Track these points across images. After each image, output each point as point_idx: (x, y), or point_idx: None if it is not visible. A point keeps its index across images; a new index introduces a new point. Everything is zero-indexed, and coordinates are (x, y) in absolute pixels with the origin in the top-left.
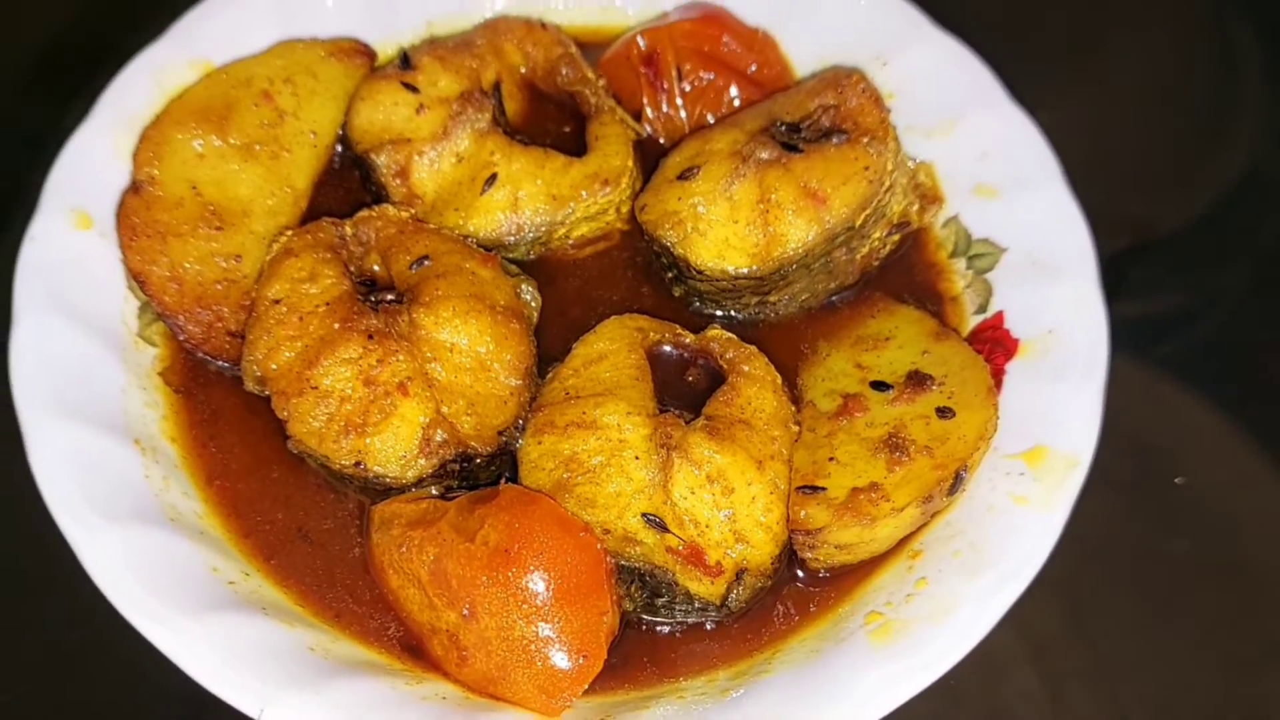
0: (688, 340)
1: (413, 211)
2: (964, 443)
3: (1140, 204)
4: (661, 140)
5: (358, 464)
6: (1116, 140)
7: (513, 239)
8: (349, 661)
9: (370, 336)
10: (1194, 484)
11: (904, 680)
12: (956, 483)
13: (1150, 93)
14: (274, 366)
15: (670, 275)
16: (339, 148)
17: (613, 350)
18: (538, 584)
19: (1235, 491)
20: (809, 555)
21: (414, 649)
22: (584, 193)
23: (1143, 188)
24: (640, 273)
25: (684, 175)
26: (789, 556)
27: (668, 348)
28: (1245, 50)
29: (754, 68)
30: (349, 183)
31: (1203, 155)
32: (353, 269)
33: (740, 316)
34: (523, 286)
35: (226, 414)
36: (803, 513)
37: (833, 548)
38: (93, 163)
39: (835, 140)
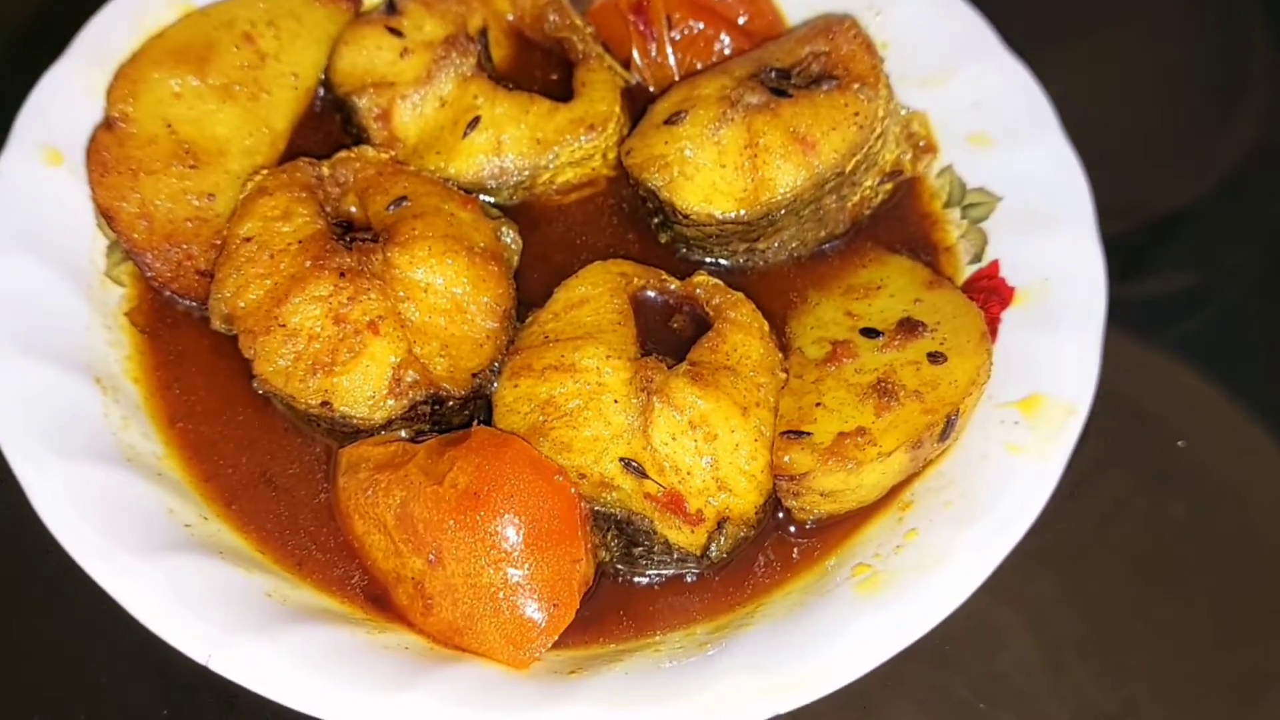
0: (673, 286)
1: (392, 154)
2: (955, 388)
3: (1149, 183)
4: (651, 88)
5: (324, 404)
6: (1124, 118)
7: (495, 183)
8: (309, 609)
9: (342, 274)
10: (1197, 451)
11: (891, 632)
12: (948, 428)
13: (1157, 69)
14: (242, 304)
15: (656, 221)
16: (321, 91)
17: (594, 295)
18: (507, 528)
19: (1238, 459)
20: (794, 503)
21: (378, 599)
22: (569, 137)
23: (1151, 166)
24: (626, 219)
25: (671, 120)
26: (774, 507)
27: (652, 293)
28: (1256, 27)
29: (745, 18)
30: (329, 126)
31: (1212, 133)
32: (329, 210)
33: (728, 264)
34: (503, 229)
35: (192, 356)
36: (786, 457)
37: (817, 495)
38: (66, 100)
39: (825, 86)
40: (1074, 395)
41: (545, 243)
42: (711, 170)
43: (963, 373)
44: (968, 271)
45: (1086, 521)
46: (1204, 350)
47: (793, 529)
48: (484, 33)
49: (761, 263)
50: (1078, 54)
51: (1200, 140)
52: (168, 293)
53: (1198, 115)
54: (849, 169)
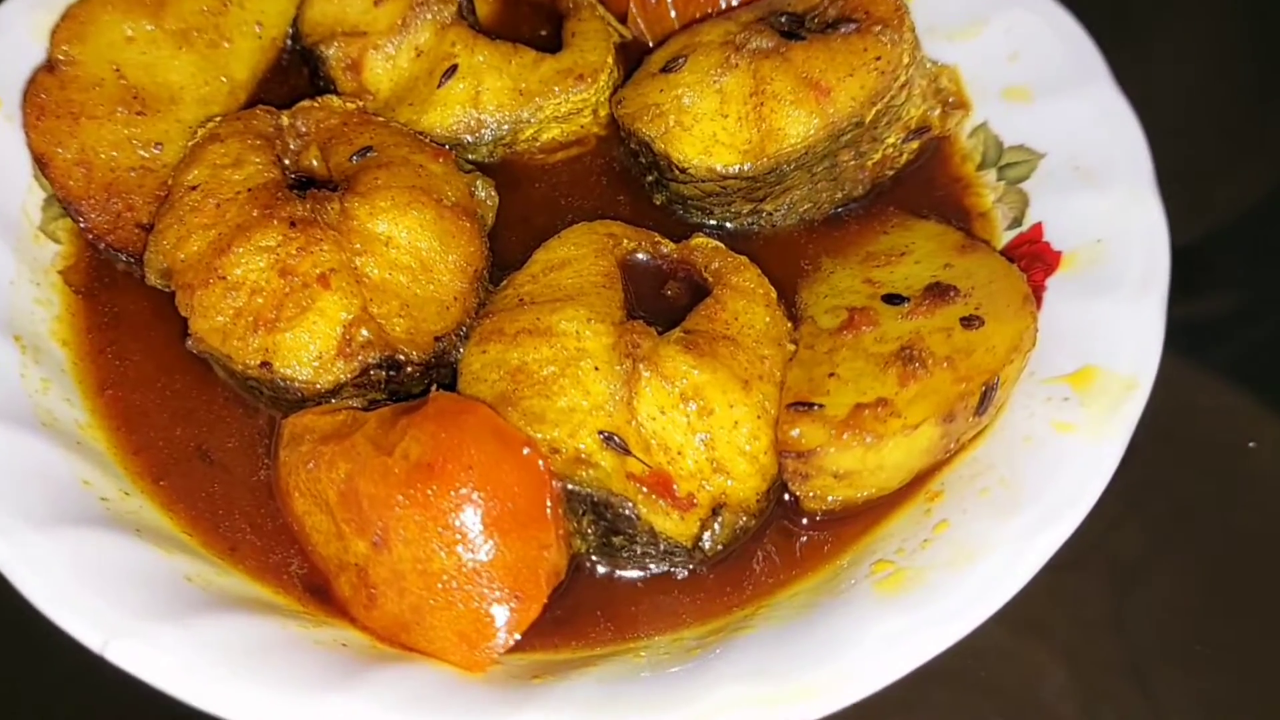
0: (667, 249)
1: (360, 103)
2: (992, 354)
3: (1192, 199)
4: (649, 44)
5: (264, 364)
6: (1166, 129)
7: (472, 138)
8: (234, 598)
9: (293, 224)
10: (1266, 457)
11: (915, 636)
12: (985, 400)
13: (1196, 85)
14: (182, 257)
15: (650, 179)
16: (289, 43)
17: (578, 256)
18: (464, 506)
19: None
20: (802, 488)
21: (319, 590)
22: (555, 89)
23: (1194, 181)
24: (617, 180)
25: (668, 67)
26: (779, 494)
27: (643, 256)
28: None
29: None
30: (297, 81)
31: (1255, 148)
32: (288, 163)
33: (731, 227)
34: (478, 184)
35: (130, 318)
36: (794, 431)
37: (830, 476)
38: (8, 43)
39: (843, 29)
40: (1134, 367)
41: (526, 203)
42: (712, 120)
43: (1001, 338)
44: (1006, 238)
45: (1139, 534)
46: (1257, 368)
47: (802, 520)
48: None
49: (769, 226)
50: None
51: (1242, 155)
52: (103, 245)
53: (1239, 129)
54: (868, 119)
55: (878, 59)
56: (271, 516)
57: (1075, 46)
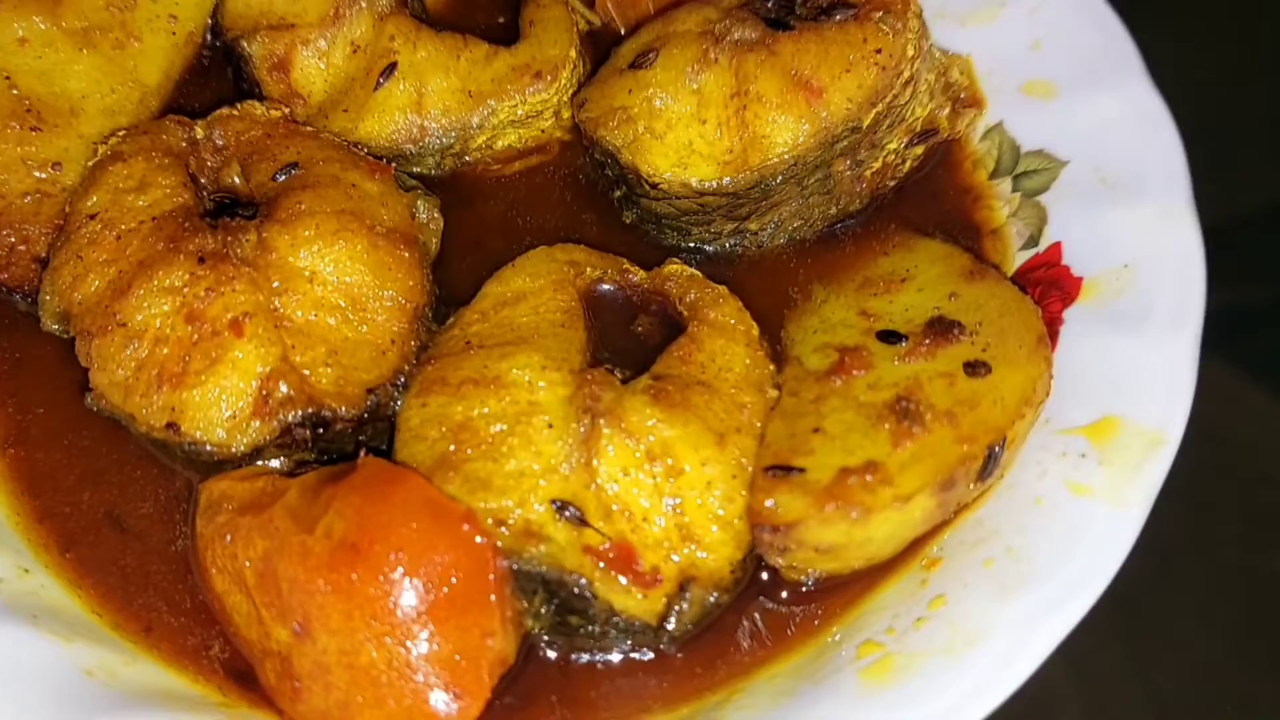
0: (637, 279)
1: (286, 110)
2: (1000, 408)
3: (1222, 187)
4: (621, 30)
5: (170, 425)
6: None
7: (415, 147)
8: (143, 691)
9: (201, 260)
10: None
11: None
12: (990, 464)
13: (1221, 81)
14: (79, 299)
15: (619, 194)
16: (209, 39)
17: (535, 289)
18: (394, 593)
19: None
20: (780, 560)
21: (243, 676)
22: (510, 89)
23: (1225, 169)
24: (582, 195)
25: (637, 62)
26: (756, 562)
27: (610, 287)
28: None
29: None
30: (220, 84)
31: None
32: (205, 182)
33: (710, 249)
34: (419, 204)
35: (32, 364)
36: (769, 501)
37: (812, 551)
38: None
39: (839, 16)
40: (1161, 420)
41: (479, 224)
42: (687, 126)
43: (1011, 388)
44: (1020, 259)
45: (1161, 573)
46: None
47: (783, 593)
48: None
49: (754, 248)
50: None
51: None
52: None
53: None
54: (867, 123)
55: (878, 52)
56: (190, 593)
57: (1107, 34)
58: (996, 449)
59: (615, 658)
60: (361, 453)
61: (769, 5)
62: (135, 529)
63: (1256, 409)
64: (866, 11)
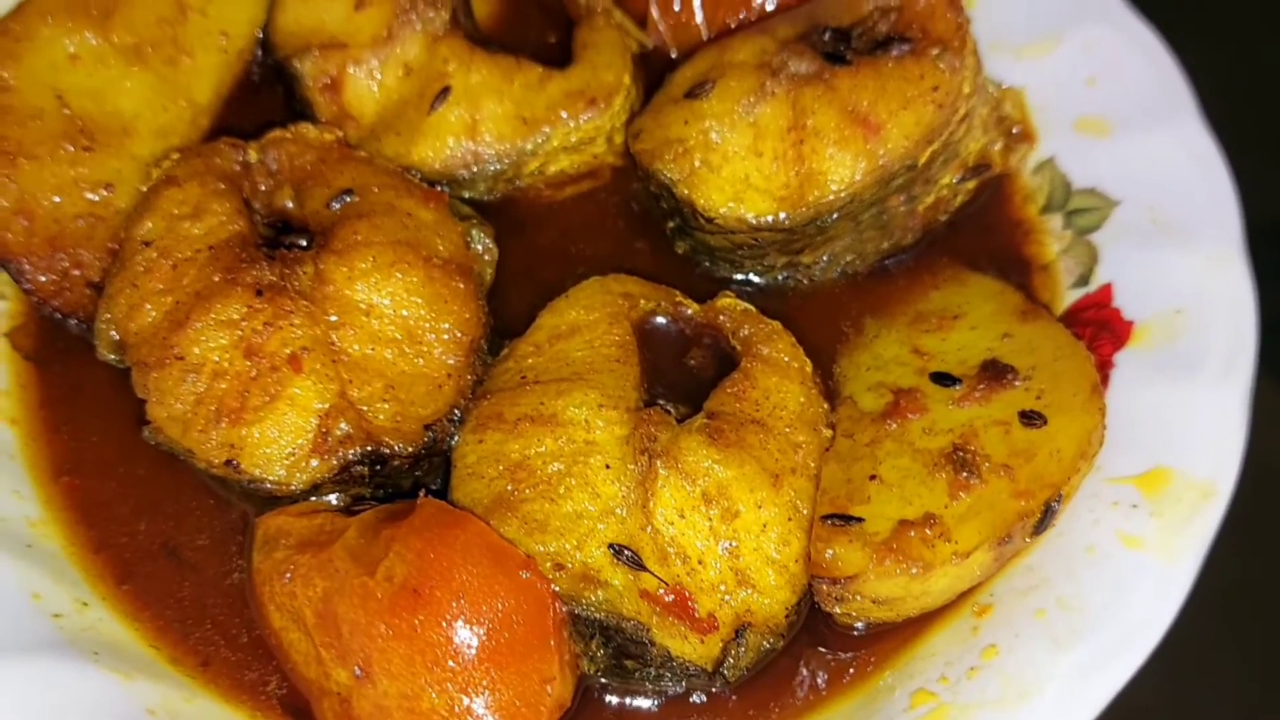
0: (690, 311)
1: (340, 133)
2: (1057, 462)
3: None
4: (672, 54)
5: (229, 462)
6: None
7: (468, 173)
8: None
9: (259, 292)
10: None
11: None
12: (1045, 518)
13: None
14: (135, 328)
15: (672, 225)
16: (259, 54)
17: (589, 322)
18: (456, 638)
19: None
20: (836, 610)
21: (300, 713)
22: (563, 114)
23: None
24: (635, 222)
25: (693, 93)
26: (810, 604)
27: (663, 320)
28: None
29: None
30: (270, 101)
31: None
32: (258, 206)
33: (762, 282)
34: (474, 233)
35: (88, 391)
36: (829, 552)
37: (869, 602)
38: None
39: (895, 51)
40: (1212, 471)
41: (532, 252)
42: (744, 159)
43: (1067, 440)
44: (1070, 297)
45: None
46: None
47: (835, 637)
48: None
49: (806, 281)
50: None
51: None
52: (49, 310)
53: None
54: (923, 161)
55: (935, 89)
56: (247, 627)
57: (1162, 72)
58: (1053, 504)
59: (670, 700)
60: (420, 493)
61: (825, 38)
62: (191, 561)
63: None
64: (924, 47)
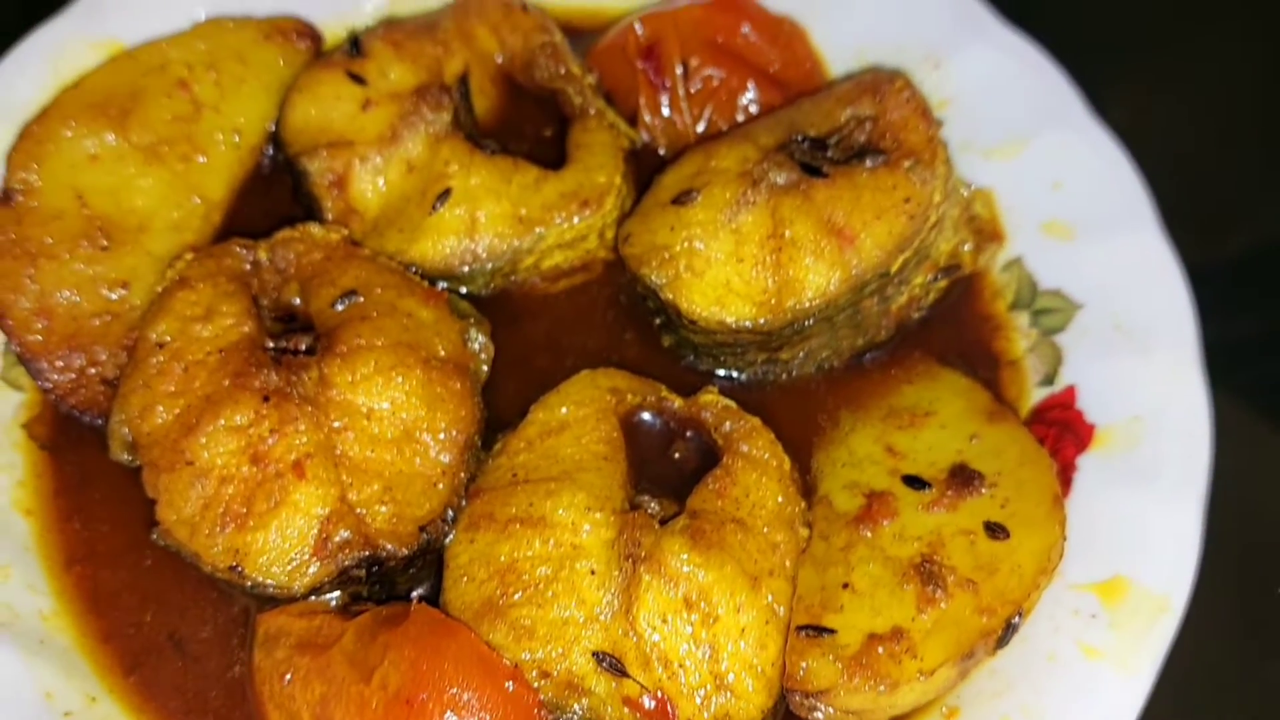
0: (675, 406)
1: (345, 233)
2: (1019, 577)
3: (1218, 218)
4: (661, 150)
5: (233, 567)
6: (1194, 144)
7: (467, 269)
8: None
9: (265, 398)
10: None
11: None
12: (1007, 633)
13: (1229, 96)
14: (147, 430)
15: (659, 321)
16: (269, 149)
17: (578, 418)
18: None
19: None
20: (810, 717)
21: None
22: (558, 215)
23: (1222, 199)
24: (624, 315)
25: (679, 199)
26: (784, 708)
27: (648, 415)
28: None
29: (777, 65)
30: (279, 191)
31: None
32: (266, 302)
33: (743, 377)
34: (472, 332)
35: (99, 479)
36: (803, 665)
37: (841, 713)
38: None
39: (870, 162)
40: (1167, 585)
41: (525, 343)
42: (725, 265)
43: (1028, 554)
44: (1036, 395)
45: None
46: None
47: None
48: (464, 80)
49: (784, 375)
50: (1145, 73)
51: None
52: (65, 407)
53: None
54: (895, 268)
55: (907, 200)
56: None
57: (1123, 182)
58: (1014, 621)
59: None
60: (414, 597)
61: (804, 146)
62: (195, 653)
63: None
64: (896, 158)
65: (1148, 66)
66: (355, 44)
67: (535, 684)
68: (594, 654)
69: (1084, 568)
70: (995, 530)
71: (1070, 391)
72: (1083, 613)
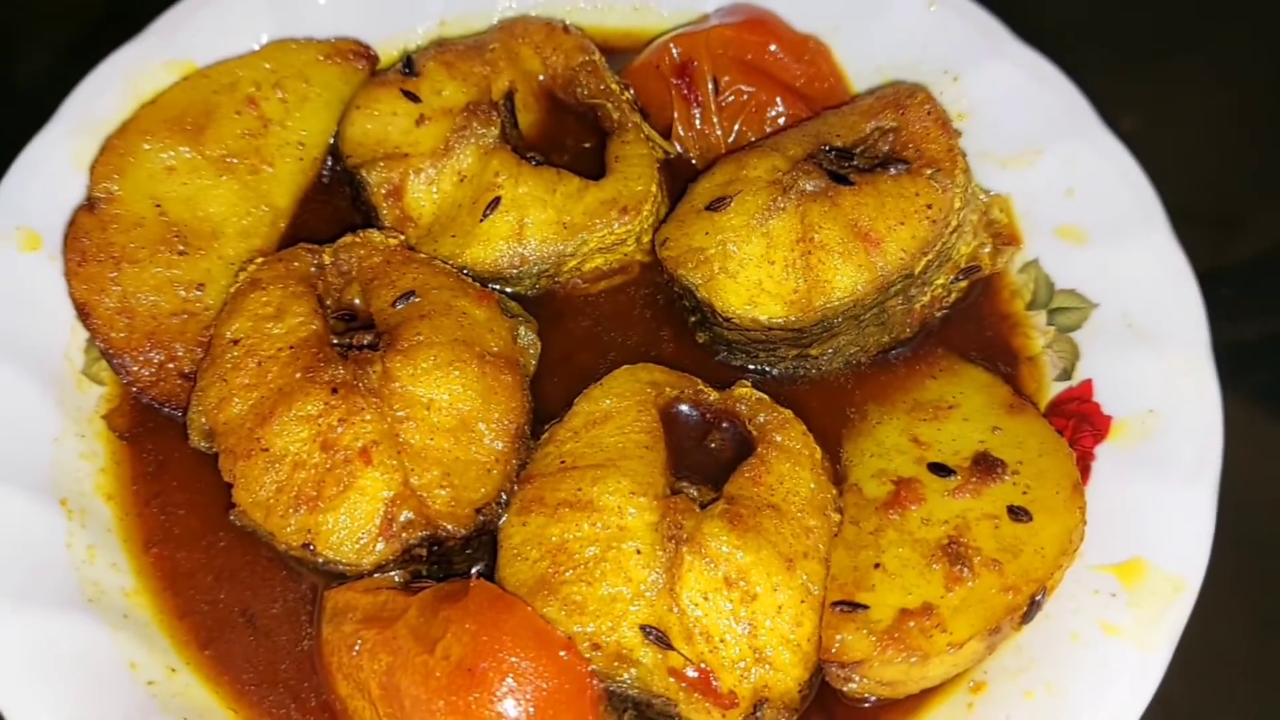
0: (711, 399)
1: (402, 238)
2: (1041, 558)
3: (1227, 219)
4: (694, 161)
5: (306, 545)
6: (1201, 148)
7: (515, 271)
8: None
9: (334, 390)
10: None
11: None
12: (1031, 610)
13: (1237, 102)
14: (224, 419)
15: (694, 319)
16: (329, 160)
17: (620, 409)
18: (508, 715)
19: None
20: (845, 689)
21: None
22: (599, 221)
23: (1230, 200)
24: (660, 313)
25: (713, 205)
26: (819, 679)
27: (686, 407)
28: None
29: (802, 81)
30: (338, 199)
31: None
32: (329, 302)
33: (775, 372)
34: (521, 330)
35: (175, 466)
36: (839, 638)
37: (874, 683)
38: (48, 175)
39: (893, 170)
40: (1181, 567)
41: (569, 340)
42: (758, 267)
43: (1050, 537)
44: (1054, 389)
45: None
46: None
47: (843, 710)
48: (510, 97)
49: (814, 371)
50: (1153, 80)
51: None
52: (146, 399)
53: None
54: (918, 270)
55: (929, 206)
56: (315, 692)
57: (1135, 189)
58: (1037, 597)
59: None
60: (473, 573)
61: (831, 156)
62: (266, 628)
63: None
64: (918, 167)
65: (1158, 73)
66: (409, 64)
67: (587, 655)
68: (641, 628)
69: (1103, 550)
70: (1018, 514)
71: (1088, 385)
72: (1103, 593)
